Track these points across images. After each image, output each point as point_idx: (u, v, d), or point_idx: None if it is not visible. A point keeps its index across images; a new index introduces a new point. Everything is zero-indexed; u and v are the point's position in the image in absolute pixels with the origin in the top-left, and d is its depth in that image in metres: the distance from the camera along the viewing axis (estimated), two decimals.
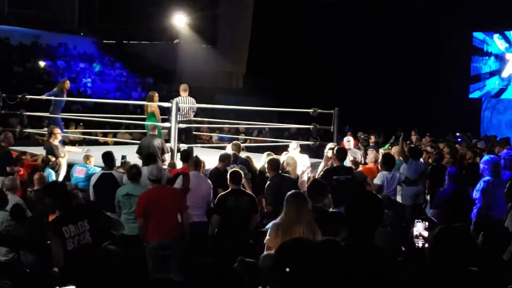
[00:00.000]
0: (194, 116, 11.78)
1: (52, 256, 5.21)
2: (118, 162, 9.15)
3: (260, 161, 9.81)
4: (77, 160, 10.12)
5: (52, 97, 12.54)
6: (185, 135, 11.01)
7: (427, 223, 3.67)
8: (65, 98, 12.86)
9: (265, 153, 9.77)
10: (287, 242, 2.72)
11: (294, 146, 10.50)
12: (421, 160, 10.06)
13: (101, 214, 6.33)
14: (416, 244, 3.57)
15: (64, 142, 11.70)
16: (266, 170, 8.28)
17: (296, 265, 2.60)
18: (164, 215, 6.49)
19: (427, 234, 3.60)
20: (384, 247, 3.63)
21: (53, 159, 9.95)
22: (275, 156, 8.90)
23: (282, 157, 9.48)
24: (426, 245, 3.48)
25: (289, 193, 4.92)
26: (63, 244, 5.07)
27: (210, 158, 9.58)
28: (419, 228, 3.60)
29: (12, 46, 27.32)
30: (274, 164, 7.99)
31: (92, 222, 5.34)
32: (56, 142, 10.43)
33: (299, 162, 9.49)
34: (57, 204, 5.41)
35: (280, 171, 8.10)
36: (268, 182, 7.82)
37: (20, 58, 26.00)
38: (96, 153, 10.06)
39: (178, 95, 11.63)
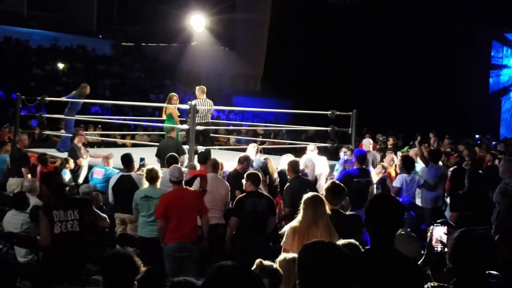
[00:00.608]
0: (212, 118, 11.78)
1: (40, 235, 5.79)
2: (136, 164, 9.18)
3: (279, 163, 9.77)
4: (97, 162, 10.19)
5: (70, 100, 12.66)
6: (203, 137, 11.01)
7: (446, 227, 3.63)
8: (82, 100, 12.94)
9: (284, 155, 9.74)
10: (310, 244, 2.70)
11: (311, 147, 10.46)
12: (440, 163, 9.96)
13: (91, 207, 6.79)
14: (435, 249, 3.53)
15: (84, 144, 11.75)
16: (286, 172, 8.23)
17: (319, 268, 2.59)
18: (184, 217, 6.49)
19: (446, 238, 3.55)
20: (404, 250, 3.59)
21: (71, 160, 10.01)
22: (295, 158, 8.85)
23: (302, 159, 9.44)
24: (445, 250, 3.44)
25: (306, 195, 4.89)
26: (51, 226, 5.63)
27: (229, 162, 9.56)
28: (439, 232, 3.55)
29: (31, 48, 27.57)
30: (294, 166, 7.95)
31: (82, 213, 5.90)
32: (79, 143, 10.50)
33: (317, 164, 9.44)
34: (50, 191, 6.09)
35: (300, 173, 8.03)
36: (288, 183, 7.78)
37: (39, 60, 26.22)
38: (115, 155, 10.13)
39: (196, 97, 11.64)
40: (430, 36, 23.62)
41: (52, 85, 23.55)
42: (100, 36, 32.59)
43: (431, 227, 4.52)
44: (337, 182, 5.83)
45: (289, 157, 9.30)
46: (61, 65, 26.60)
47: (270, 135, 18.51)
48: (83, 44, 29.88)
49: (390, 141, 15.79)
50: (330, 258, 2.59)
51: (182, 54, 30.11)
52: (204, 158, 8.45)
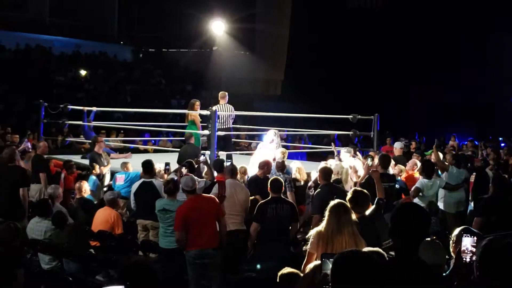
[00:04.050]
0: (233, 123, 11.78)
1: None
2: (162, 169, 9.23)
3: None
4: (118, 168, 10.24)
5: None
6: (224, 143, 11.01)
7: (475, 238, 3.56)
8: (101, 109, 13.07)
9: (323, 163, 9.64)
10: (345, 253, 2.71)
11: (348, 151, 10.34)
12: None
13: None
14: (464, 260, 3.46)
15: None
16: (317, 178, 8.14)
17: (353, 278, 2.60)
18: (202, 224, 6.44)
19: (474, 249, 3.49)
20: (428, 258, 3.54)
21: (97, 167, 10.09)
22: (328, 166, 8.77)
23: (333, 164, 9.33)
24: (474, 260, 3.38)
25: (331, 203, 4.84)
26: None
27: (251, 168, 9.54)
28: (467, 243, 3.49)
29: (53, 55, 27.87)
30: (325, 173, 7.82)
31: None
32: (99, 151, 10.56)
33: (351, 166, 9.34)
34: None
35: (331, 181, 7.93)
36: (318, 190, 7.69)
37: (61, 67, 26.49)
38: (137, 161, 10.18)
39: (217, 102, 11.66)
40: (452, 37, 23.40)
41: (74, 92, 23.78)
42: (121, 42, 32.85)
43: (454, 233, 4.45)
44: (359, 189, 5.75)
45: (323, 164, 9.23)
46: (83, 72, 26.84)
47: (292, 140, 18.44)
48: (104, 51, 30.15)
49: (413, 145, 15.67)
50: (364, 268, 2.60)
51: (203, 59, 30.21)
52: (220, 165, 8.40)
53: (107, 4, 33.44)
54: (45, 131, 14.25)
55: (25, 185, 8.23)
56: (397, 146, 11.44)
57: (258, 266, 6.36)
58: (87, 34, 30.47)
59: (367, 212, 5.63)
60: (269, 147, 9.92)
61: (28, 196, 8.62)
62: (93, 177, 9.91)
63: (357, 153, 10.87)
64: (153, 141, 17.34)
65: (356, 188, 5.93)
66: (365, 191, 5.64)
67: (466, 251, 3.49)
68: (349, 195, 5.53)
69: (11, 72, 23.66)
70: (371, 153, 10.52)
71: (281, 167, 9.01)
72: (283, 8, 29.34)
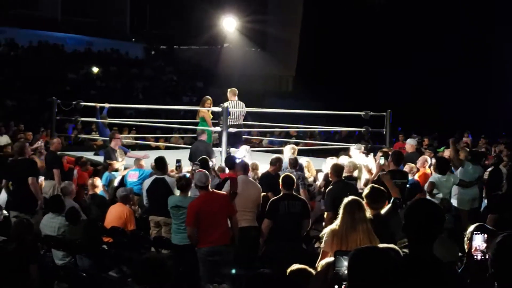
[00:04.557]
0: (243, 120, 11.77)
1: None
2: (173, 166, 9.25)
3: (323, 166, 9.68)
4: (131, 165, 10.27)
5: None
6: (235, 139, 11.00)
7: (486, 235, 3.54)
8: (116, 105, 13.10)
9: (329, 158, 9.64)
10: (362, 250, 2.70)
11: (358, 147, 10.29)
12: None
13: None
14: (475, 257, 3.44)
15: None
16: (329, 175, 8.12)
17: (370, 274, 2.60)
18: (214, 221, 6.44)
19: (485, 247, 3.47)
20: (442, 256, 3.51)
21: (114, 163, 10.13)
22: (339, 161, 8.73)
23: (345, 161, 9.30)
24: (486, 257, 3.36)
25: (345, 199, 4.83)
26: None
27: (262, 164, 9.53)
28: (478, 240, 3.46)
29: (66, 52, 28.02)
30: (337, 170, 7.78)
31: None
32: (115, 147, 10.59)
33: (365, 165, 9.30)
34: None
35: (343, 177, 7.90)
36: (330, 187, 7.67)
37: (73, 65, 26.62)
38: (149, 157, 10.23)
39: (227, 99, 11.63)
40: (463, 34, 23.22)
41: (86, 89, 23.89)
42: (133, 40, 32.95)
43: (468, 231, 4.42)
44: (377, 186, 5.73)
45: (334, 160, 9.21)
46: (95, 69, 26.95)
47: (303, 137, 18.44)
48: (116, 48, 30.26)
49: (425, 141, 15.58)
50: (381, 264, 2.60)
51: (214, 56, 30.24)
52: (232, 162, 8.40)
53: (119, 1, 33.56)
54: (57, 128, 14.32)
55: (33, 174, 8.22)
56: (410, 143, 11.36)
57: (233, 271, 6.31)
58: (99, 31, 30.61)
59: (383, 211, 5.61)
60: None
61: (42, 191, 8.66)
62: (107, 173, 9.95)
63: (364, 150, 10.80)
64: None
65: (373, 185, 5.89)
66: (382, 188, 5.62)
67: (477, 249, 3.46)
68: (366, 191, 5.52)
69: (24, 70, 23.82)
70: (384, 150, 10.47)
71: (294, 163, 8.97)
72: (294, 4, 29.29)
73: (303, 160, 9.83)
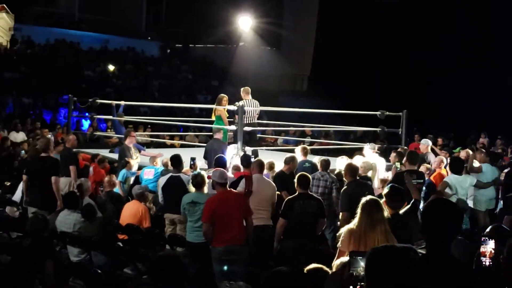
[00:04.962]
0: (258, 119, 11.76)
1: None
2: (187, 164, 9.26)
3: (334, 165, 9.64)
4: (146, 163, 10.31)
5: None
6: (249, 138, 10.99)
7: (494, 242, 3.49)
8: (129, 103, 13.12)
9: (339, 158, 9.59)
10: (380, 248, 2.68)
11: (372, 147, 10.22)
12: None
13: None
14: (483, 263, 3.40)
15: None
16: (343, 175, 8.07)
17: (388, 273, 2.58)
18: (230, 220, 6.42)
19: (493, 252, 3.42)
20: (458, 257, 3.48)
21: (132, 161, 10.17)
22: (353, 161, 8.68)
23: (359, 161, 9.25)
24: (492, 263, 3.33)
25: (363, 199, 4.79)
26: None
27: (276, 163, 9.52)
28: (487, 246, 3.41)
29: (82, 50, 28.16)
30: (352, 170, 7.75)
31: None
32: (130, 144, 10.64)
33: (379, 166, 9.25)
34: None
35: (358, 177, 7.85)
36: (345, 187, 7.63)
37: (90, 62, 26.75)
38: (164, 155, 10.24)
39: (241, 98, 11.58)
40: (482, 34, 23.01)
41: (102, 86, 24.01)
42: (149, 38, 33.06)
43: (486, 231, 4.38)
44: (397, 185, 5.68)
45: (345, 160, 9.16)
46: (111, 67, 27.07)
47: (318, 136, 18.39)
48: (132, 46, 30.37)
49: (439, 141, 15.46)
50: (399, 263, 2.58)
51: (229, 55, 30.25)
52: (248, 161, 8.39)
53: (135, 0, 33.72)
54: (74, 125, 14.42)
55: (57, 173, 8.26)
56: (424, 143, 11.28)
57: (225, 267, 6.29)
58: (115, 29, 30.74)
59: (402, 211, 5.57)
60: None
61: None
62: (124, 171, 9.99)
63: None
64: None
65: (394, 184, 5.84)
66: (401, 188, 5.58)
67: (484, 253, 3.41)
68: (385, 190, 5.48)
69: (41, 67, 23.98)
70: (398, 149, 10.43)
71: (326, 166, 8.77)
72: (310, 3, 29.22)
73: (315, 160, 9.81)
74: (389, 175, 9.38)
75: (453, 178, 8.55)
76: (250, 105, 11.05)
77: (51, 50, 26.96)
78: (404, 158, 8.39)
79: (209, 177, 7.26)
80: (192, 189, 7.33)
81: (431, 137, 16.13)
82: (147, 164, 10.22)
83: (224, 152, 9.70)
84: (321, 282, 3.85)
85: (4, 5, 28.61)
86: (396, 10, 24.51)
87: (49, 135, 12.11)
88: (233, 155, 9.75)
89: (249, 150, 10.28)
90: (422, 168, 9.45)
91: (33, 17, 29.01)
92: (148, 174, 9.72)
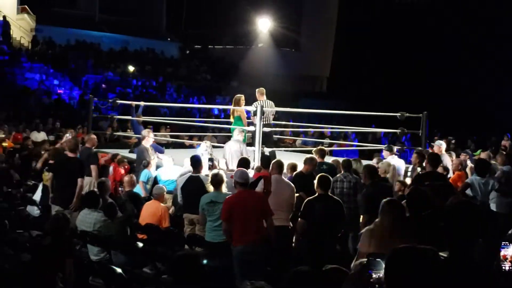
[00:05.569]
0: (275, 120, 11.70)
1: None
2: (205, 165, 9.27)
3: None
4: (160, 164, 10.36)
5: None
6: (266, 139, 10.96)
7: None
8: (148, 103, 13.19)
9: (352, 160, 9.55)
10: (401, 249, 2.66)
11: (390, 149, 10.15)
12: None
13: None
14: (503, 268, 3.35)
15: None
16: (362, 177, 8.01)
17: (409, 274, 2.56)
18: (249, 219, 6.40)
19: None
20: (479, 260, 3.44)
21: (152, 162, 10.22)
22: (372, 163, 8.61)
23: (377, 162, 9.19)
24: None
25: (384, 200, 4.75)
26: None
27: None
28: (510, 251, 3.36)
29: (102, 51, 28.37)
30: (370, 172, 7.70)
31: None
32: (147, 144, 10.68)
33: (397, 168, 9.17)
34: None
35: (377, 179, 7.80)
36: (364, 190, 7.59)
37: (110, 63, 26.95)
38: (182, 156, 10.27)
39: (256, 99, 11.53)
40: (502, 36, 22.78)
41: (122, 87, 24.17)
42: (169, 39, 33.22)
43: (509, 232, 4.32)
44: (419, 187, 5.63)
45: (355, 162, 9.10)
46: (131, 68, 27.24)
47: (337, 137, 18.33)
48: (152, 47, 30.54)
49: (453, 142, 15.30)
50: (420, 264, 2.56)
51: (248, 56, 30.29)
52: (268, 161, 8.37)
53: (155, 2, 33.89)
54: (94, 125, 14.50)
55: (83, 175, 8.36)
56: (437, 144, 11.15)
57: (205, 261, 6.27)
58: (135, 30, 30.93)
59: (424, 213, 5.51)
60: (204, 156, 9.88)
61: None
62: (146, 171, 10.03)
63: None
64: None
65: (416, 186, 5.79)
66: (424, 190, 5.53)
67: (505, 257, 3.36)
68: (408, 192, 5.43)
69: (62, 67, 24.20)
70: (418, 151, 10.33)
71: (347, 166, 8.67)
72: (329, 4, 29.16)
73: (331, 161, 9.78)
74: (408, 177, 9.31)
75: (474, 179, 8.45)
76: (265, 106, 11.03)
77: (72, 51, 27.21)
78: (425, 160, 8.31)
79: (232, 177, 7.26)
80: (211, 188, 7.32)
81: (451, 139, 16.02)
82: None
83: (244, 153, 9.70)
84: (339, 283, 3.84)
85: (26, 6, 28.96)
86: (416, 11, 24.37)
87: (67, 134, 12.18)
88: (203, 151, 9.75)
89: (266, 150, 10.28)
90: (439, 170, 9.36)
91: (54, 18, 29.29)
92: (165, 175, 9.78)
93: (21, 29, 28.31)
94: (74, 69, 24.92)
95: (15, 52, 24.61)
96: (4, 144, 13.72)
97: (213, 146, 13.37)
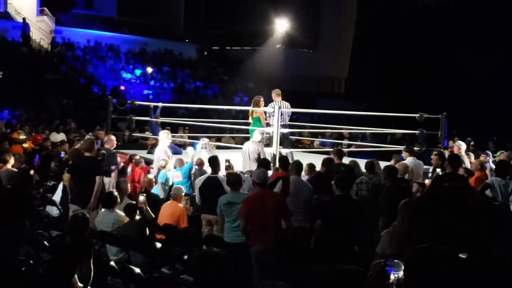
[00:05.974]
0: (292, 121, 11.66)
1: None
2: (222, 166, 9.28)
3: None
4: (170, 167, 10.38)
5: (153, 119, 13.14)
6: (283, 140, 10.94)
7: None
8: (167, 104, 13.25)
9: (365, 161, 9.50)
10: (420, 249, 2.65)
11: (409, 150, 10.09)
12: None
13: None
14: None
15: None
16: (382, 178, 7.96)
17: (429, 273, 2.55)
18: (266, 219, 6.40)
19: None
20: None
21: (169, 162, 10.26)
22: (392, 164, 8.55)
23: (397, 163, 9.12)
24: None
25: (402, 202, 4.73)
26: None
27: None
28: None
29: (121, 53, 28.55)
30: (390, 173, 7.66)
31: None
32: (165, 146, 10.71)
33: (416, 169, 9.11)
34: None
35: (396, 180, 7.75)
36: (384, 191, 7.55)
37: (128, 65, 27.10)
38: (201, 157, 10.29)
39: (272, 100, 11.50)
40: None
41: (140, 88, 24.32)
42: (187, 40, 33.34)
43: None
44: (438, 189, 5.59)
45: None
46: (149, 69, 27.37)
47: (355, 138, 18.22)
48: (170, 49, 30.66)
49: (472, 144, 15.15)
50: (440, 265, 2.55)
51: (266, 57, 30.28)
52: (285, 162, 8.36)
53: (173, 3, 34.03)
54: (112, 126, 14.58)
55: (100, 174, 8.39)
56: (458, 146, 11.04)
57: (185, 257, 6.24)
58: (154, 32, 31.10)
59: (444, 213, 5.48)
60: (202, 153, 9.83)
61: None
62: (163, 171, 10.07)
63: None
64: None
65: (434, 187, 5.75)
66: (441, 191, 5.50)
67: None
68: (426, 193, 5.40)
69: (81, 69, 24.39)
70: (438, 152, 10.24)
71: (371, 168, 8.67)
72: (348, 5, 29.06)
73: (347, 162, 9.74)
74: (427, 179, 9.24)
75: (495, 180, 8.34)
76: (281, 107, 11.01)
77: (90, 52, 27.41)
78: (446, 161, 8.23)
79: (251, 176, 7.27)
80: (228, 189, 7.33)
81: (470, 140, 15.85)
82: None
83: (262, 154, 9.70)
84: (357, 283, 3.82)
85: (46, 8, 29.26)
86: (435, 11, 24.20)
87: (88, 135, 12.27)
88: (201, 148, 9.74)
89: (284, 152, 10.26)
90: (460, 171, 9.27)
91: (73, 20, 29.55)
92: (177, 177, 9.80)
93: (41, 30, 28.60)
94: (92, 71, 25.10)
95: (35, 54, 24.85)
96: (24, 145, 13.85)
97: (231, 148, 13.43)
